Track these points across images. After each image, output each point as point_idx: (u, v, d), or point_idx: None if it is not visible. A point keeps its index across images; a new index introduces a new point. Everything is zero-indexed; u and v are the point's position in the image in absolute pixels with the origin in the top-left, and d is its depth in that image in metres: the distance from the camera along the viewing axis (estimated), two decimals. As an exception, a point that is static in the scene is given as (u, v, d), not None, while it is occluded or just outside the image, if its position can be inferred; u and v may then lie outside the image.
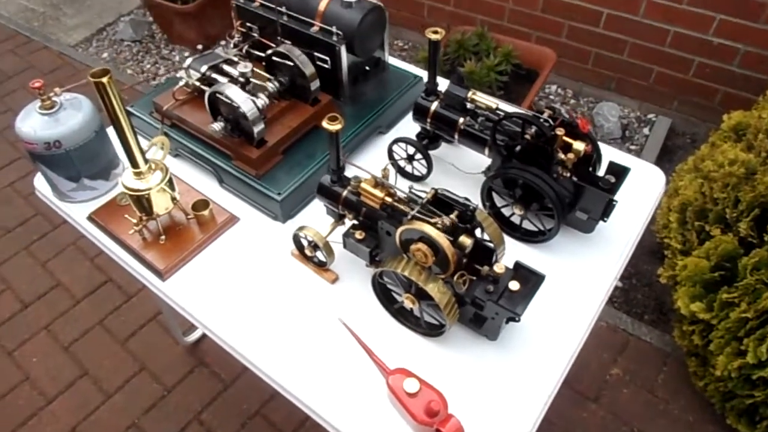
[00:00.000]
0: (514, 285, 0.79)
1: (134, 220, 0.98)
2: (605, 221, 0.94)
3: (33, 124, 0.99)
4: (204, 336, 1.88)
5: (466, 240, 0.77)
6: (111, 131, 1.08)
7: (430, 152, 1.07)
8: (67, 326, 1.97)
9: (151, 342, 1.92)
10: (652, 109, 2.54)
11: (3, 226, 2.30)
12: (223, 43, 1.19)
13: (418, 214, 0.78)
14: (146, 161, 0.93)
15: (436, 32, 0.94)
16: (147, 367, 1.85)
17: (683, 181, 1.67)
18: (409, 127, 1.15)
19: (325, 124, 0.80)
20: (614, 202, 0.91)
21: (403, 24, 2.95)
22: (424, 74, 1.27)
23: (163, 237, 1.00)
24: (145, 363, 1.86)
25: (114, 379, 1.83)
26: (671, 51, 2.34)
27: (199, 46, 1.27)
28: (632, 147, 2.43)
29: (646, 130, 2.49)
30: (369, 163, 1.13)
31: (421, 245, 0.76)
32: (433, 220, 0.77)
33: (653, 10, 2.26)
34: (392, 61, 1.29)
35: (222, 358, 1.84)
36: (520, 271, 0.81)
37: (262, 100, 1.04)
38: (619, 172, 0.92)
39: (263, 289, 0.95)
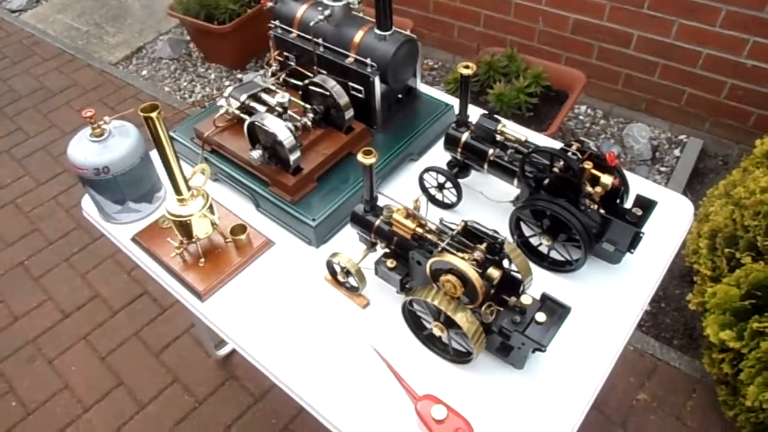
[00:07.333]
0: (540, 316, 0.81)
1: (175, 244, 1.03)
2: (632, 253, 0.96)
3: (84, 151, 1.05)
4: (235, 350, 1.93)
5: (494, 272, 0.80)
6: (154, 155, 1.13)
7: (461, 180, 1.10)
8: (104, 337, 2.04)
9: (184, 354, 1.97)
10: (684, 130, 2.53)
11: (46, 238, 2.39)
12: (259, 71, 1.24)
13: (448, 246, 0.81)
14: (189, 188, 0.98)
15: (467, 67, 0.97)
16: (179, 379, 1.91)
17: (714, 207, 1.66)
18: (440, 154, 1.18)
19: (360, 157, 0.83)
20: (641, 235, 0.92)
21: (434, 44, 2.99)
22: (453, 101, 1.30)
23: (202, 260, 1.04)
24: (177, 375, 1.92)
25: (148, 390, 1.89)
26: (703, 73, 2.33)
27: (240, 76, 1.33)
28: (663, 168, 2.42)
29: (677, 152, 2.48)
30: (400, 189, 1.16)
31: (450, 276, 0.79)
32: (462, 254, 0.79)
33: (685, 32, 2.26)
34: (424, 88, 1.32)
35: (252, 372, 1.88)
36: (546, 302, 0.83)
37: (298, 127, 1.08)
38: (646, 204, 0.93)
39: (296, 311, 0.99)
